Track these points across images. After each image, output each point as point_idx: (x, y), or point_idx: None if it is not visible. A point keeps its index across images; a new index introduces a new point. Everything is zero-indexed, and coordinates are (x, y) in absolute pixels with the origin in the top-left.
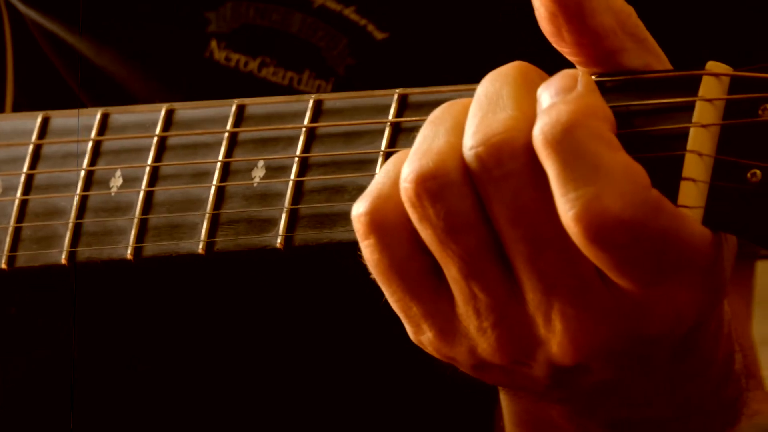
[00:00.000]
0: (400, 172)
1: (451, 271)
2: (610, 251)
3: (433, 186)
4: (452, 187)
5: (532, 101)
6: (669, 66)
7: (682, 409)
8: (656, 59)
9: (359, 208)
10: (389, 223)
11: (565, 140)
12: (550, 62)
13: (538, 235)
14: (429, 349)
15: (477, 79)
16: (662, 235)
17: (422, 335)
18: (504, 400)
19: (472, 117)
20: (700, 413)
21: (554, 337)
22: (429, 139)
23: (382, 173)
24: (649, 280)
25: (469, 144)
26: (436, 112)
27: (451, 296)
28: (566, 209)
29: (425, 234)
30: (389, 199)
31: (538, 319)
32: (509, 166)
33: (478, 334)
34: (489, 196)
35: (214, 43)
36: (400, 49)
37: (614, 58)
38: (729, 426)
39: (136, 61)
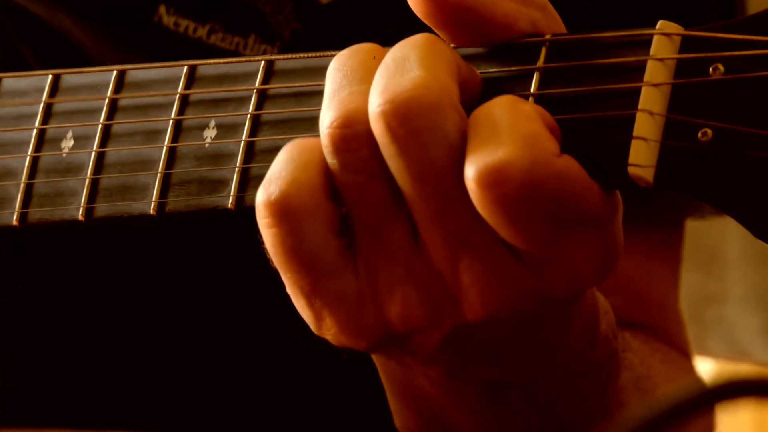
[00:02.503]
0: (307, 157)
1: (365, 229)
2: (506, 213)
3: (360, 129)
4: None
5: (441, 65)
6: (564, 29)
7: (553, 370)
8: (558, 26)
9: (268, 196)
10: (304, 208)
11: (485, 113)
12: None
13: (445, 193)
14: (331, 339)
15: None
16: (558, 196)
17: (324, 324)
18: (381, 372)
19: (379, 78)
20: (570, 374)
21: (462, 293)
22: (345, 87)
23: (284, 160)
24: (547, 242)
25: (376, 102)
26: (344, 60)
27: (358, 268)
28: (468, 168)
29: (345, 180)
30: (302, 184)
31: (445, 275)
32: (416, 124)
33: (385, 297)
34: (394, 154)
35: (162, 9)
36: (345, 13)
37: (527, 30)
38: (602, 385)
39: (88, 23)
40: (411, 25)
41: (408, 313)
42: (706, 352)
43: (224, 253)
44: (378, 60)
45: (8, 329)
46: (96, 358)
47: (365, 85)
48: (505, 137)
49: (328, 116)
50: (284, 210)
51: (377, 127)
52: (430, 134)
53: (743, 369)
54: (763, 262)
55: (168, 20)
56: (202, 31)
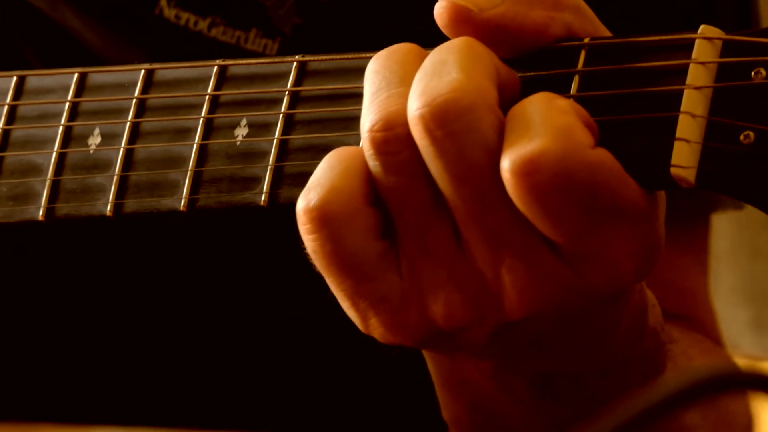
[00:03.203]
0: (347, 164)
1: (407, 231)
2: (540, 202)
3: (401, 132)
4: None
5: (478, 68)
6: (604, 29)
7: (601, 362)
8: (593, 25)
9: (307, 203)
10: (343, 216)
11: (522, 109)
12: None
13: (485, 193)
14: (377, 336)
15: (424, 41)
16: (591, 187)
17: (370, 323)
18: (430, 365)
19: (418, 81)
20: (618, 367)
21: (504, 292)
22: (384, 90)
23: (324, 168)
24: (580, 231)
25: (414, 106)
26: (383, 62)
27: (401, 270)
28: (503, 160)
29: (386, 182)
30: (341, 191)
31: (487, 274)
32: (453, 126)
33: (429, 298)
34: (434, 156)
35: (164, 1)
36: (347, 9)
37: (561, 34)
38: (650, 377)
39: (90, 16)
40: (412, 22)
41: (452, 313)
42: None
43: (224, 252)
44: (417, 60)
45: (8, 329)
46: (96, 356)
47: (404, 87)
48: (539, 129)
49: (368, 119)
50: (323, 217)
51: (416, 130)
52: (467, 136)
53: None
54: (752, 257)
55: (169, 13)
56: (203, 25)
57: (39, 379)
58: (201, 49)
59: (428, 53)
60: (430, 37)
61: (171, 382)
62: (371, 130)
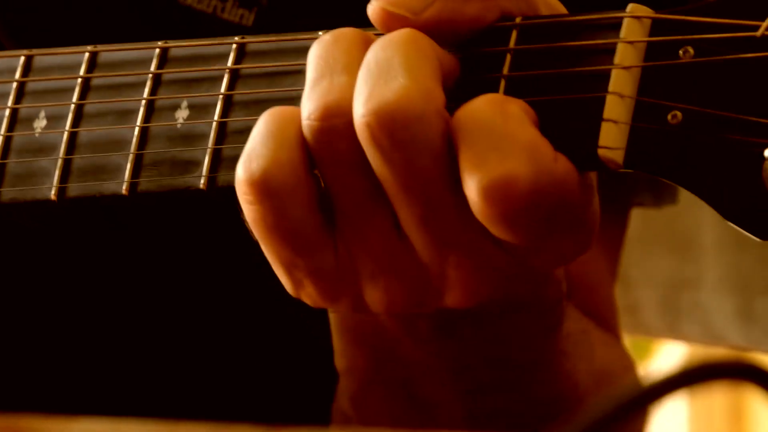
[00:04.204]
0: (287, 131)
1: (345, 216)
2: (512, 223)
3: (339, 123)
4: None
5: (425, 68)
6: (561, 7)
7: (507, 303)
8: (527, 3)
9: (250, 174)
10: (286, 187)
11: (475, 120)
12: None
13: (432, 198)
14: (308, 302)
15: None
16: (559, 200)
17: (303, 290)
18: (331, 315)
19: (362, 83)
20: (521, 309)
21: (447, 284)
22: (326, 77)
23: (263, 134)
24: (542, 238)
25: (360, 112)
26: (327, 47)
27: (338, 249)
28: (470, 182)
29: (325, 169)
30: (284, 163)
31: (429, 267)
32: (401, 135)
33: (365, 282)
34: (380, 163)
35: None
36: None
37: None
38: (548, 329)
39: None
40: None
41: (390, 300)
42: (680, 336)
43: (216, 239)
44: (361, 49)
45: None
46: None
47: (346, 76)
48: (506, 148)
49: (307, 106)
50: (266, 188)
51: (362, 137)
52: (415, 145)
53: (717, 352)
54: (738, 247)
55: None
56: None
57: (27, 369)
58: (176, 16)
59: (373, 39)
60: None
61: (163, 371)
62: (309, 118)
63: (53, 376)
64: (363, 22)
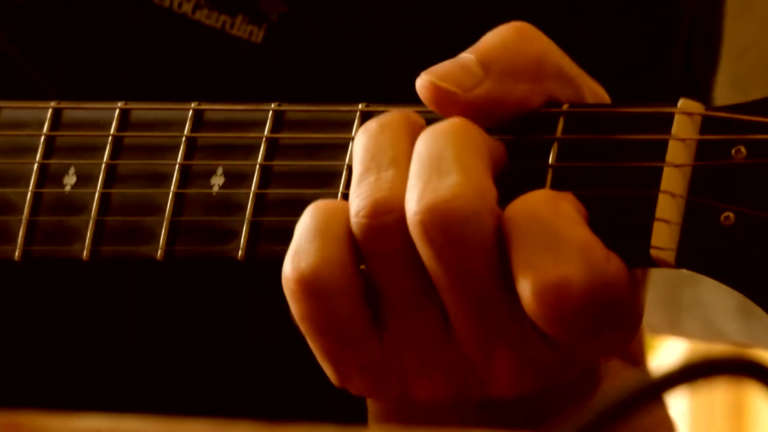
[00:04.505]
0: (335, 228)
1: (393, 310)
2: (564, 324)
3: (389, 220)
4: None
5: (477, 163)
6: (604, 94)
7: (544, 384)
8: (573, 88)
9: (298, 272)
10: (335, 285)
11: (528, 219)
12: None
13: (482, 293)
14: (353, 392)
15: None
16: (611, 302)
17: (349, 382)
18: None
19: (414, 179)
20: (560, 385)
21: (492, 376)
22: (373, 171)
23: (310, 231)
24: (591, 335)
25: (413, 209)
26: (372, 138)
27: (384, 343)
28: (524, 283)
29: (373, 265)
30: (332, 261)
31: (475, 359)
32: (454, 234)
33: (410, 376)
34: (431, 259)
35: None
36: None
37: (543, 103)
38: (588, 393)
39: None
40: (400, 12)
41: (435, 395)
42: (681, 332)
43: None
44: (409, 137)
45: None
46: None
47: (395, 170)
48: (560, 249)
49: (355, 203)
50: (315, 287)
51: (415, 233)
52: (469, 242)
53: (718, 349)
54: None
55: None
56: (187, 7)
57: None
58: (184, 31)
59: (420, 125)
60: (417, 26)
61: (165, 370)
62: (357, 215)
63: (54, 374)
64: (373, 39)
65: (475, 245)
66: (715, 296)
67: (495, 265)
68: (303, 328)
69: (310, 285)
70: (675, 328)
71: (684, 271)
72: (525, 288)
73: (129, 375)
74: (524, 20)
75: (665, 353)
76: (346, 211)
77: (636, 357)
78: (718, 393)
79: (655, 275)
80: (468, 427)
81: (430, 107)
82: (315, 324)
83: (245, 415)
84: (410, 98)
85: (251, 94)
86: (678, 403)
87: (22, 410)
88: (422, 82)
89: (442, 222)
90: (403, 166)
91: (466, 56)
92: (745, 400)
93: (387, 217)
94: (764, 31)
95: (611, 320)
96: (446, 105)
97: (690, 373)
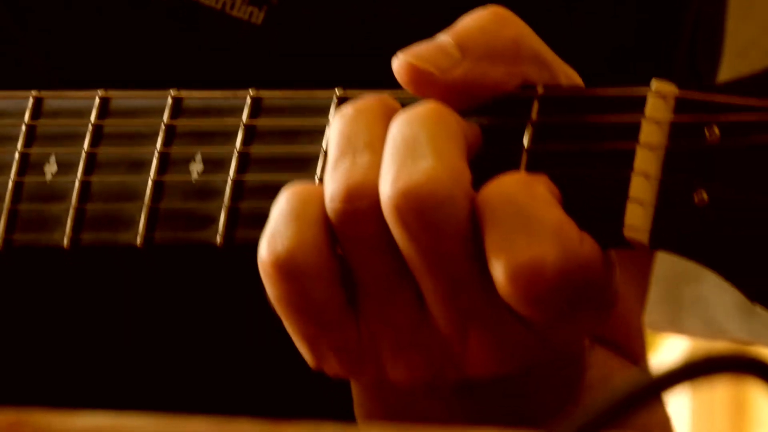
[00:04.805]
0: (311, 211)
1: (368, 293)
2: (538, 305)
3: (364, 205)
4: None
5: (452, 147)
6: (578, 80)
7: (520, 366)
8: (549, 71)
9: (274, 255)
10: (310, 267)
11: (501, 201)
12: None
13: (457, 277)
14: (330, 374)
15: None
16: (584, 283)
17: (325, 364)
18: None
19: (389, 163)
20: (545, 366)
21: (468, 355)
22: (348, 156)
23: (286, 214)
24: (565, 317)
25: (387, 193)
26: (348, 122)
27: (360, 325)
28: (497, 264)
29: (349, 249)
30: (307, 244)
31: (451, 340)
32: (429, 217)
33: (386, 358)
34: (406, 243)
35: None
36: None
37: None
38: (573, 379)
39: None
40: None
41: (412, 375)
42: (682, 330)
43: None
44: (384, 121)
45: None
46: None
47: (369, 154)
48: (533, 231)
49: (330, 187)
50: (290, 269)
51: (389, 216)
52: (443, 225)
53: (719, 346)
54: None
55: None
56: None
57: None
58: (184, 11)
59: (395, 109)
60: (417, 11)
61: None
62: (333, 200)
63: (56, 372)
64: (373, 24)
65: (450, 229)
66: (716, 294)
67: (469, 248)
68: (279, 310)
69: (285, 267)
70: (676, 325)
71: (685, 268)
72: (498, 270)
73: (126, 373)
74: (520, 7)
75: (666, 351)
76: (322, 194)
77: (636, 355)
78: (719, 390)
79: (657, 273)
80: (454, 423)
81: (407, 88)
82: (290, 306)
83: (244, 412)
84: None
85: (250, 76)
86: (679, 401)
87: (23, 408)
88: (399, 63)
89: (416, 206)
90: (378, 150)
91: (444, 38)
92: (746, 398)
93: (361, 201)
94: (765, 30)
95: (585, 301)
96: (423, 86)
97: (691, 371)
